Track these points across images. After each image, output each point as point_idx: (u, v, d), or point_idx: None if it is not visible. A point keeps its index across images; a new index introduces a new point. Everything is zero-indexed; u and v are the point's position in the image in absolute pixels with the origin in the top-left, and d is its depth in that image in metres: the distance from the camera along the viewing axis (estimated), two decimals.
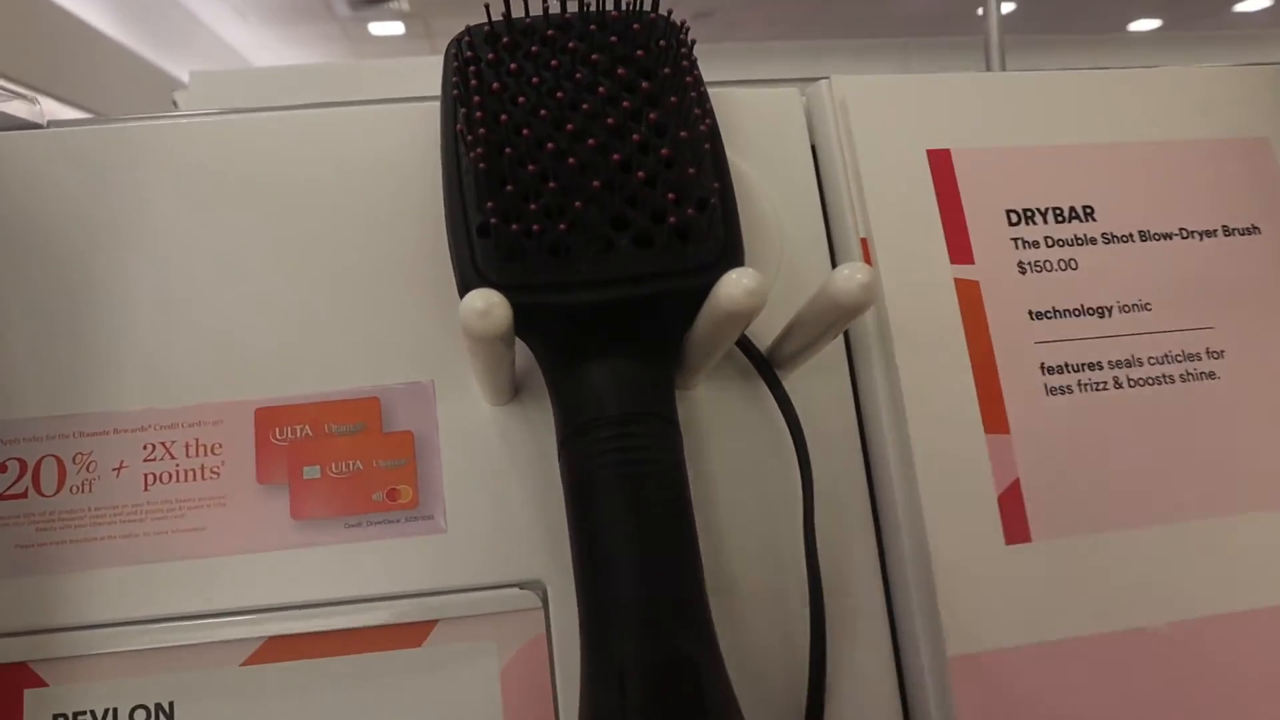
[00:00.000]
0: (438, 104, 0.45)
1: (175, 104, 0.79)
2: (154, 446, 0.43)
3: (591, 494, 0.37)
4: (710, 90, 0.45)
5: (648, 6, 0.42)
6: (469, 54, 0.41)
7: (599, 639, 0.35)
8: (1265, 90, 0.53)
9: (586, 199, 0.36)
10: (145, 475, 0.42)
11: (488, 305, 0.33)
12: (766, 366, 0.43)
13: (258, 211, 0.46)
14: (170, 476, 0.42)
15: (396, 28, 5.34)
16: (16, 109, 0.52)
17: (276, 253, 0.45)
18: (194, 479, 0.42)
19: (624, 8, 0.42)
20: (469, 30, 0.42)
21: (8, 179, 0.46)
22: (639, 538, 0.36)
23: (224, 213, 0.46)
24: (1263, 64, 0.58)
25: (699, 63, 0.42)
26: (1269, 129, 0.52)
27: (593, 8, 0.42)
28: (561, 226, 0.36)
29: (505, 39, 0.41)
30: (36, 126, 0.52)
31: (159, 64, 4.38)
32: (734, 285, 0.34)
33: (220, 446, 0.43)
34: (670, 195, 0.37)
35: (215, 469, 0.43)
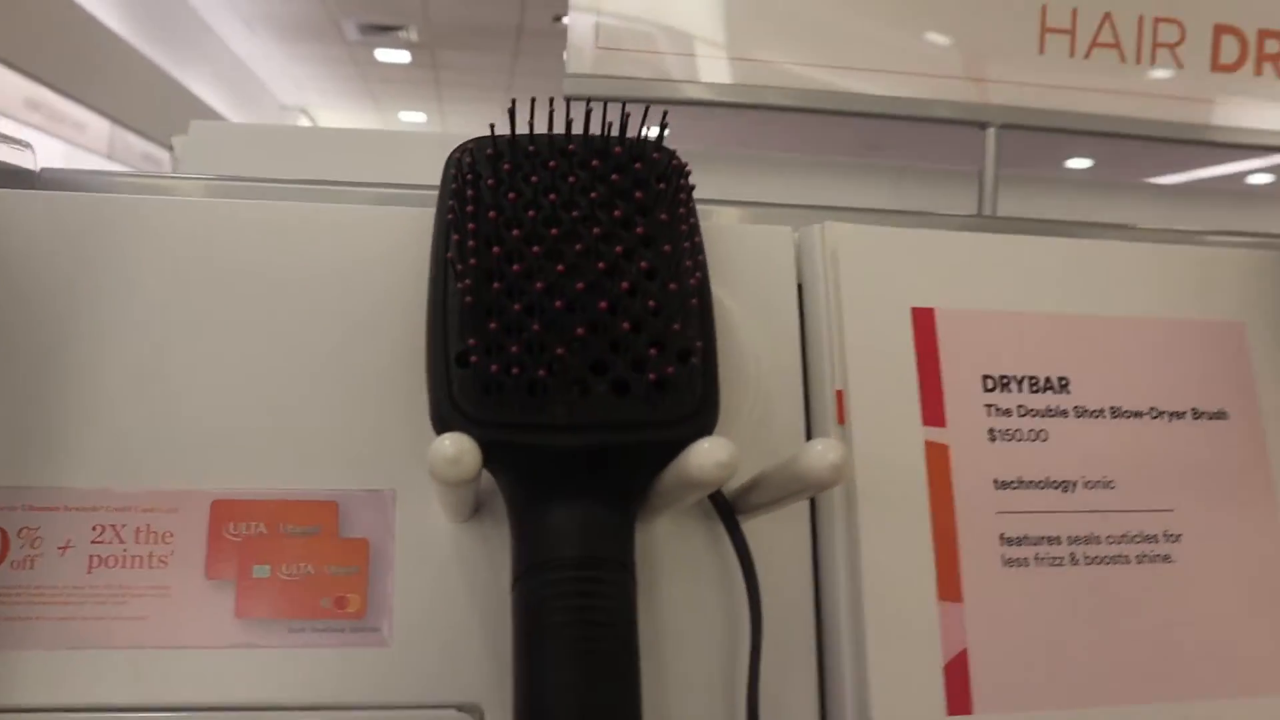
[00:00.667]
0: (427, 208, 0.46)
1: (171, 148, 0.79)
2: (104, 528, 0.42)
3: (539, 635, 0.36)
4: (701, 218, 0.45)
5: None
6: (469, 175, 0.41)
7: None
8: (1247, 274, 0.54)
9: (569, 344, 0.36)
10: (91, 557, 0.42)
11: (459, 453, 0.33)
12: (729, 513, 0.43)
13: (240, 298, 0.45)
14: (117, 560, 0.42)
15: (403, 56, 5.38)
16: (8, 155, 0.52)
17: (253, 342, 0.45)
18: (141, 566, 0.42)
19: (627, 142, 0.42)
20: (471, 147, 0.42)
21: None
22: (580, 685, 0.36)
23: (206, 295, 0.45)
24: (1245, 242, 0.59)
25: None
26: (1246, 314, 0.53)
27: (598, 133, 0.42)
28: (542, 371, 0.36)
29: (507, 164, 0.41)
30: (29, 173, 0.52)
31: (166, 68, 4.38)
32: (705, 456, 0.34)
33: (171, 535, 0.42)
34: (652, 347, 0.37)
35: (164, 558, 0.42)
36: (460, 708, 0.42)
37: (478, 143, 0.42)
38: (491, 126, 0.43)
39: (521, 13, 4.55)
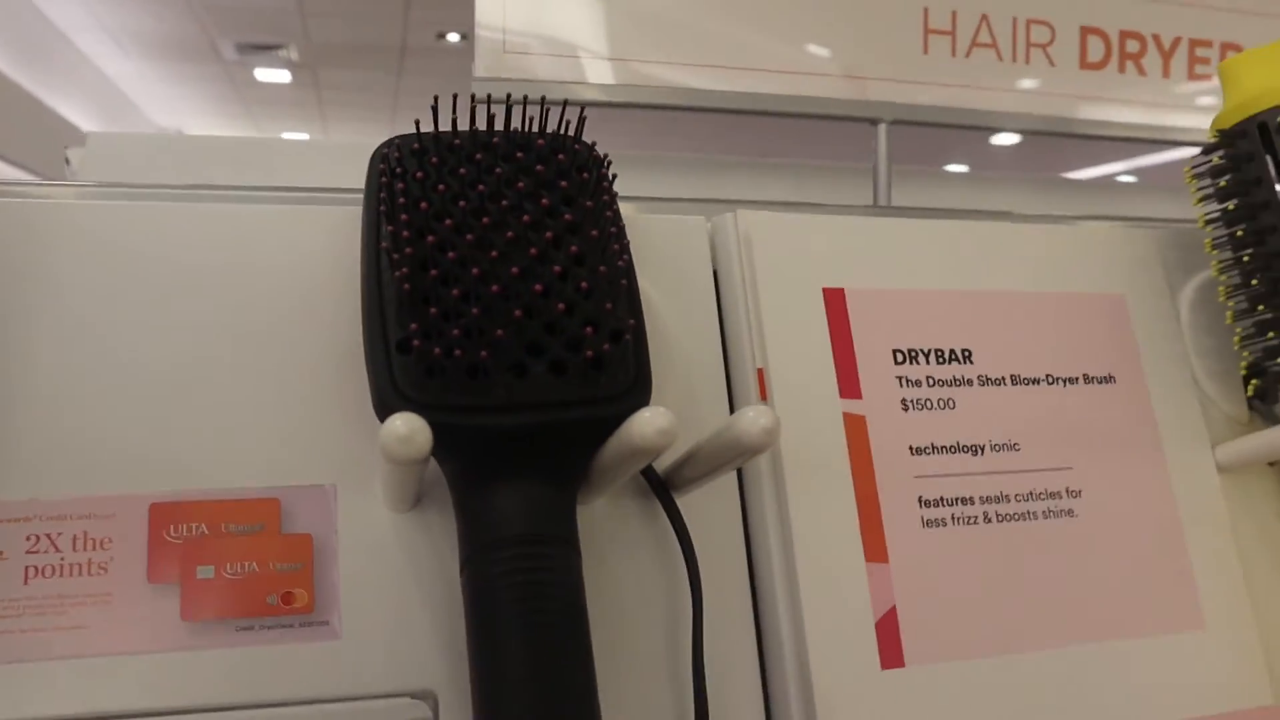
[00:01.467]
0: (350, 207, 0.46)
1: (68, 161, 0.78)
2: (38, 538, 0.41)
3: (491, 613, 0.37)
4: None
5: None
6: (397, 169, 0.42)
7: None
8: (1127, 250, 0.58)
9: (507, 326, 0.38)
10: (27, 568, 0.41)
11: (410, 431, 0.34)
12: (664, 490, 0.45)
13: (162, 299, 0.45)
14: (54, 570, 0.41)
15: (284, 75, 5.27)
16: None
17: (180, 343, 0.45)
18: (79, 574, 0.41)
19: (548, 135, 0.43)
20: (396, 142, 0.43)
21: None
22: (536, 660, 0.37)
23: (127, 297, 0.45)
24: (1130, 221, 0.63)
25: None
26: (1126, 286, 0.57)
27: (517, 128, 0.43)
28: (483, 354, 0.37)
29: (434, 157, 0.42)
30: None
31: (34, 92, 4.22)
32: (646, 424, 0.36)
33: (110, 541, 0.42)
34: (587, 327, 0.38)
35: (103, 565, 0.42)
36: (415, 695, 0.42)
37: (403, 139, 0.43)
38: (417, 123, 0.44)
39: (404, 31, 4.50)
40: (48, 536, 0.42)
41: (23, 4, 4.01)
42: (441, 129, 0.42)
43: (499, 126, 0.43)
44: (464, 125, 0.43)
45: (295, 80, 5.33)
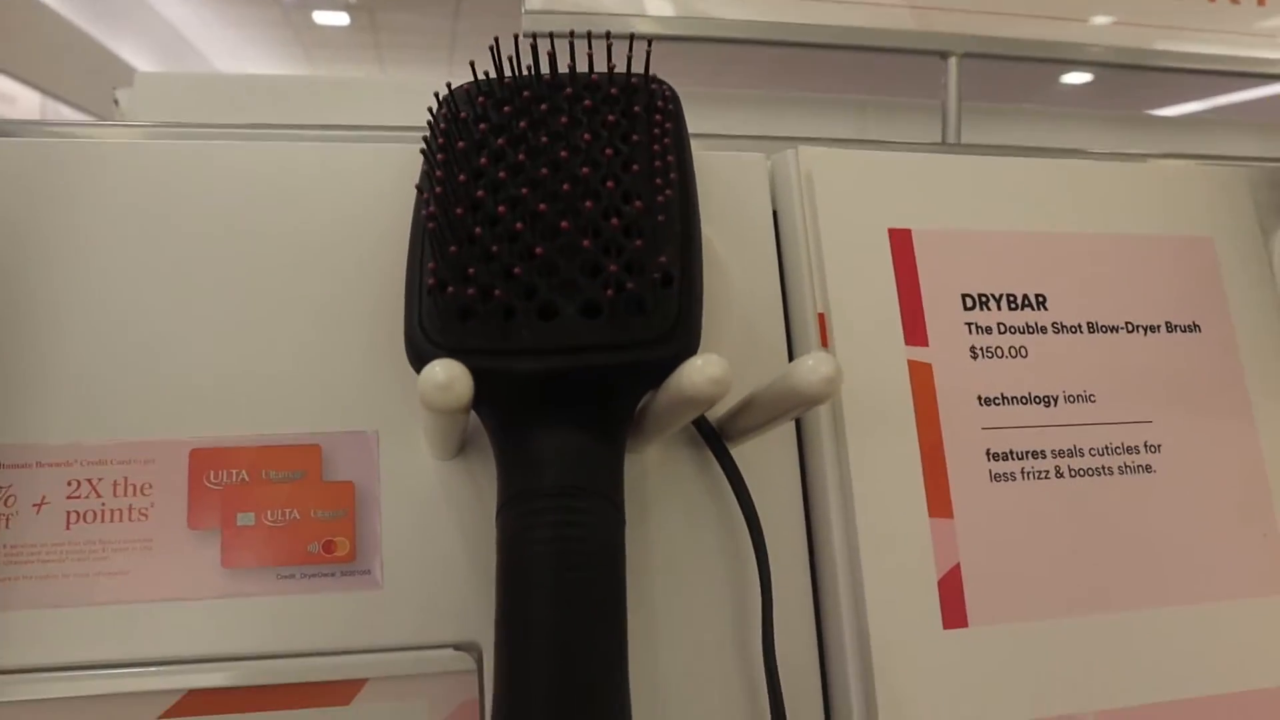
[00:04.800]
0: (400, 144, 0.45)
1: (116, 101, 0.77)
2: (79, 483, 0.41)
3: (518, 565, 0.35)
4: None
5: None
6: (445, 110, 0.40)
7: (505, 717, 0.34)
8: (1214, 190, 0.54)
9: (530, 265, 0.35)
10: (68, 513, 0.40)
11: (449, 379, 0.32)
12: (718, 441, 0.43)
13: (205, 240, 0.44)
14: (95, 516, 0.41)
15: (341, 18, 5.26)
16: None
17: (222, 285, 0.44)
18: (120, 519, 0.41)
19: (609, 71, 0.41)
20: (454, 87, 0.41)
21: None
22: (558, 618, 0.34)
23: (170, 238, 0.44)
24: (1215, 160, 0.59)
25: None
26: (1214, 229, 0.53)
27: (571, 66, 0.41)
28: (507, 294, 0.35)
29: (481, 98, 0.40)
30: None
31: (96, 37, 4.25)
32: (698, 373, 0.33)
33: (150, 487, 0.41)
34: (616, 266, 0.35)
35: (144, 510, 0.41)
36: (458, 646, 0.41)
37: (466, 86, 0.42)
38: (471, 64, 0.42)
39: None
40: (89, 481, 0.41)
41: None
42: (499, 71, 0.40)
43: (556, 63, 0.41)
44: (525, 63, 0.41)
45: (353, 23, 5.31)
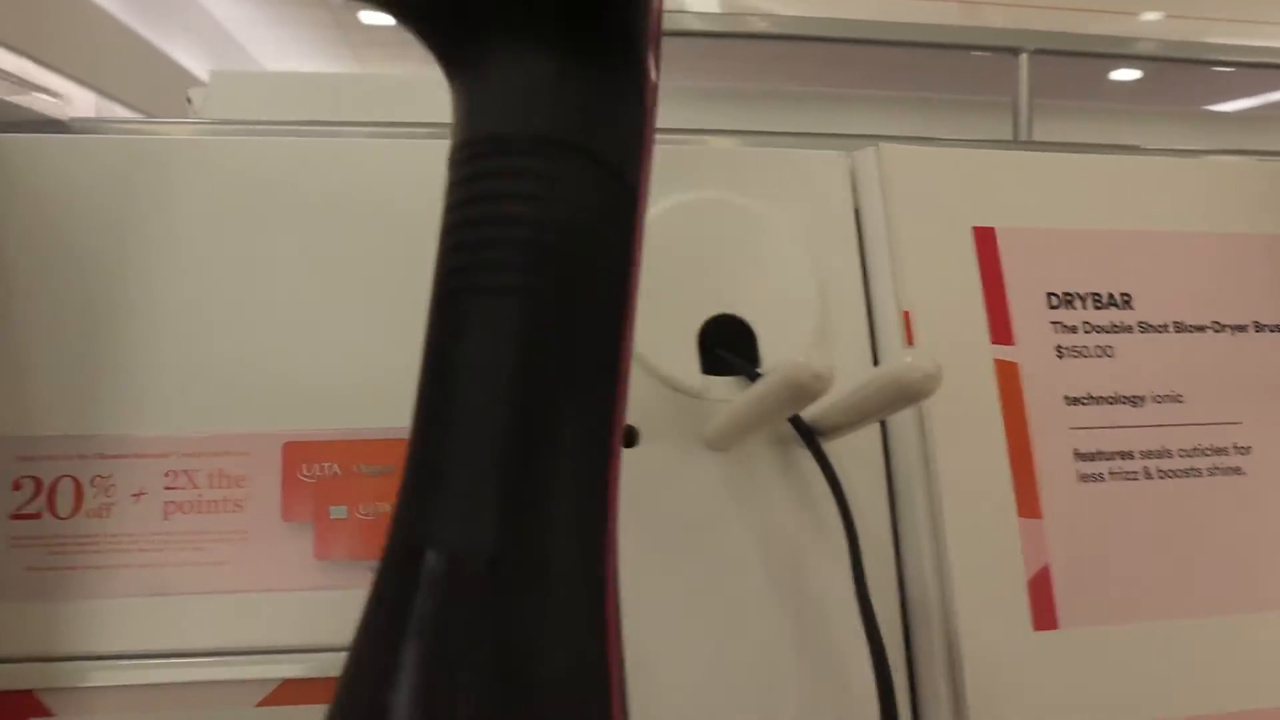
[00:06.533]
0: None
1: (189, 100, 0.78)
2: (176, 474, 0.42)
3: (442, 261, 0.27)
4: (754, 149, 0.43)
5: None
6: None
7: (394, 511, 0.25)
8: None
9: None
10: (166, 504, 0.41)
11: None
12: (811, 436, 0.43)
13: (299, 234, 0.45)
14: (192, 506, 0.41)
15: (388, 17, 5.30)
16: (37, 103, 0.51)
17: (314, 278, 0.44)
18: (216, 511, 0.41)
19: None
20: None
21: (33, 184, 0.44)
22: (473, 358, 0.25)
23: (263, 233, 0.44)
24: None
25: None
26: None
27: None
28: None
29: None
30: (59, 123, 0.51)
31: (148, 37, 4.31)
32: (800, 370, 0.33)
33: (245, 479, 0.42)
34: None
35: (239, 502, 0.42)
36: None
37: None
38: None
39: None
40: (185, 473, 0.42)
41: None
42: None
43: None
44: None
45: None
